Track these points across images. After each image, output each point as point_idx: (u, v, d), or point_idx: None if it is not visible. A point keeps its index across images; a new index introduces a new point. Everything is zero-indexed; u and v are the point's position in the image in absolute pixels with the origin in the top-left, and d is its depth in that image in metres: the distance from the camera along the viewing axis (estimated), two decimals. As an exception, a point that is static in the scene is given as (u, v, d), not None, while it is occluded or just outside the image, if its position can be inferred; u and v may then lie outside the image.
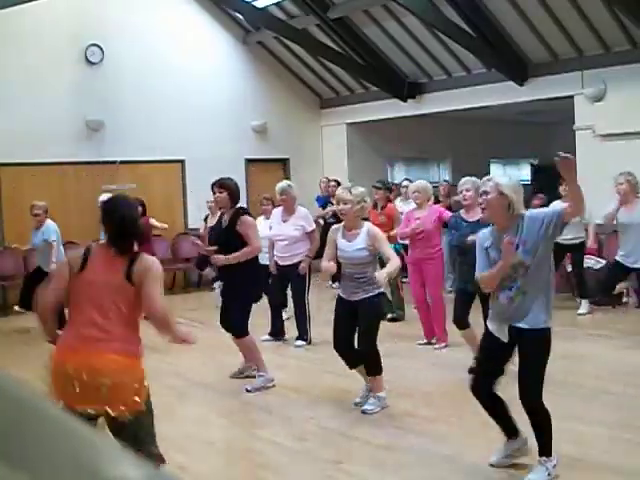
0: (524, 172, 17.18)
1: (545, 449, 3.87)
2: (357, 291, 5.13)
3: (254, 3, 11.32)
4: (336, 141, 13.51)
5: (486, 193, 3.93)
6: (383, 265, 5.17)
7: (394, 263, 5.00)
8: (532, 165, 16.88)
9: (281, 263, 7.52)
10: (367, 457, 4.47)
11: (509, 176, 4.09)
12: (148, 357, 7.43)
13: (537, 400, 3.82)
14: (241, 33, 12.77)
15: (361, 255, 5.10)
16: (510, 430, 4.09)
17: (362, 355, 5.23)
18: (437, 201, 9.54)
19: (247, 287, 5.90)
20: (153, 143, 11.54)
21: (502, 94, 10.73)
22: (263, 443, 4.81)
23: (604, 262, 8.89)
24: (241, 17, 12.18)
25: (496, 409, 4.08)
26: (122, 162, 11.34)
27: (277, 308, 7.74)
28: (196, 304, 10.10)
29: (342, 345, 5.25)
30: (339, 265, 5.25)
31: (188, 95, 11.93)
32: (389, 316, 8.07)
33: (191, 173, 12.08)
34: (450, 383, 5.85)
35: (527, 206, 9.58)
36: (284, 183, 7.73)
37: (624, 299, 8.53)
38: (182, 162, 12.09)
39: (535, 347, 3.87)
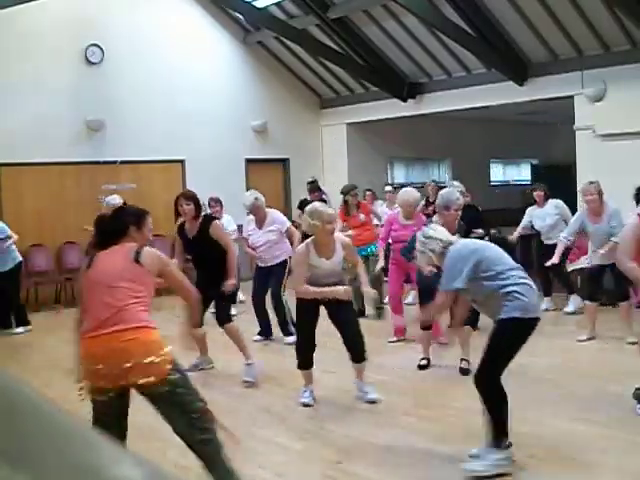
0: (524, 172, 17.19)
1: (494, 434, 3.99)
2: (329, 299, 5.27)
3: (254, 3, 11.32)
4: (336, 141, 13.51)
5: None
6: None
7: (363, 267, 5.60)
8: (532, 165, 16.88)
9: (262, 265, 7.64)
10: (367, 457, 4.47)
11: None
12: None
13: (486, 381, 4.03)
14: (241, 33, 12.77)
15: (340, 267, 5.35)
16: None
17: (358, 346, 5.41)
18: (427, 202, 9.58)
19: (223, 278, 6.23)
20: (153, 143, 11.54)
21: (502, 94, 10.73)
22: (263, 443, 4.81)
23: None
24: (241, 17, 12.18)
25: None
26: (122, 162, 11.34)
27: (260, 308, 7.83)
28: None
29: (311, 345, 5.48)
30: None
31: (188, 95, 11.93)
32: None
33: (191, 173, 12.08)
34: (449, 383, 5.86)
35: (529, 202, 9.52)
36: (251, 197, 7.53)
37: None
38: (182, 162, 12.09)
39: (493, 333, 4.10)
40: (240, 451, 4.84)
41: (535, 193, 8.94)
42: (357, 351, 5.38)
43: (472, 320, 7.96)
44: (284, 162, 13.39)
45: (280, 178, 13.23)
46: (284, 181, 13.31)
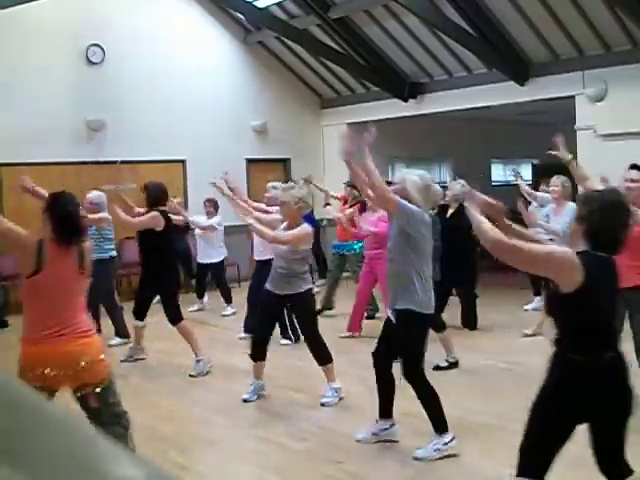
0: (525, 172, 17.18)
1: (434, 424, 4.32)
2: (286, 285, 5.44)
3: (255, 3, 11.31)
4: (337, 141, 13.47)
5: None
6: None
7: (272, 232, 5.54)
8: (533, 165, 16.88)
9: (257, 258, 7.73)
10: (367, 457, 4.47)
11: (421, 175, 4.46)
12: (149, 357, 7.45)
13: (412, 373, 4.30)
14: (242, 33, 12.77)
15: (288, 251, 5.41)
16: (385, 411, 4.58)
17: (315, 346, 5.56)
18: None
19: (167, 275, 6.65)
20: (154, 143, 11.54)
21: (503, 94, 10.73)
22: (263, 443, 4.81)
23: None
24: (242, 17, 12.18)
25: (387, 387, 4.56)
26: (123, 162, 11.33)
27: (253, 306, 7.88)
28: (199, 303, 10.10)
29: (262, 338, 5.61)
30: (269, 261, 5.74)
31: (189, 95, 11.93)
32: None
33: (192, 173, 12.08)
34: (449, 382, 5.85)
35: (529, 202, 9.51)
36: (269, 185, 7.98)
37: None
38: (183, 162, 12.09)
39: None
40: (240, 451, 4.84)
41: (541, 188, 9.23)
42: (316, 354, 5.55)
43: (470, 322, 8.04)
44: (285, 162, 13.39)
45: (281, 178, 13.21)
46: (285, 181, 13.29)
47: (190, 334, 6.71)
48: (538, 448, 2.99)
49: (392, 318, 4.47)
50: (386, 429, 4.62)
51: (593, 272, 2.78)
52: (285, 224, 5.60)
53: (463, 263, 7.39)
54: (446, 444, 4.31)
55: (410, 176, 4.47)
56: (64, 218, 3.69)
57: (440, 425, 4.33)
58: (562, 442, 2.98)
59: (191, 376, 6.46)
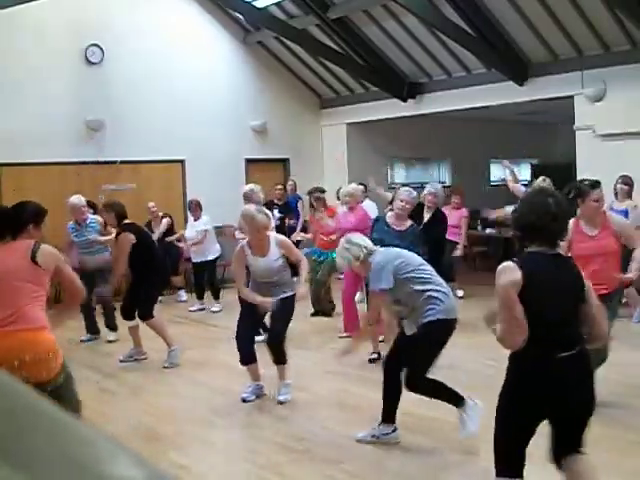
0: (524, 172, 17.17)
1: (454, 403, 4.47)
2: (271, 294, 5.52)
3: (254, 3, 11.31)
4: (336, 141, 13.51)
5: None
6: (293, 267, 5.69)
7: (305, 266, 5.64)
8: (532, 165, 16.87)
9: None
10: (367, 457, 4.47)
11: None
12: (149, 357, 7.45)
13: (420, 386, 4.42)
14: (241, 33, 12.77)
15: (278, 265, 5.52)
16: (389, 416, 4.63)
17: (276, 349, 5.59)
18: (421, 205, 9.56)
19: (151, 277, 6.97)
20: (153, 143, 11.54)
21: (502, 94, 10.73)
22: (263, 443, 4.81)
23: None
24: (241, 17, 12.18)
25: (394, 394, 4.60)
26: (122, 162, 11.33)
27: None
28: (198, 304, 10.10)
29: (246, 341, 5.63)
30: (248, 273, 5.71)
31: (188, 95, 11.93)
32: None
33: (191, 173, 12.08)
34: (448, 381, 5.85)
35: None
36: (246, 187, 8.07)
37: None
38: (182, 162, 12.09)
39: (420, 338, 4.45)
40: (240, 451, 4.84)
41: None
42: (273, 353, 5.58)
43: None
44: (284, 162, 13.39)
45: (280, 178, 13.22)
46: (284, 181, 13.29)
47: (161, 328, 6.97)
48: (510, 445, 3.07)
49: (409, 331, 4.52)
50: (387, 434, 4.64)
51: (530, 270, 2.94)
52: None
53: (439, 261, 7.41)
54: (473, 408, 4.42)
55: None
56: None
57: (457, 400, 4.47)
58: (525, 437, 3.03)
59: (165, 367, 6.72)
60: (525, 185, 9.42)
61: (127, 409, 5.64)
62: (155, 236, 9.13)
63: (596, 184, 5.01)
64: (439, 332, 4.42)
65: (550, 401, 2.98)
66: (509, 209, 7.79)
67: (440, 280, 4.60)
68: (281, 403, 5.52)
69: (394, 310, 4.75)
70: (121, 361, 7.07)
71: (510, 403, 3.04)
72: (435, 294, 4.44)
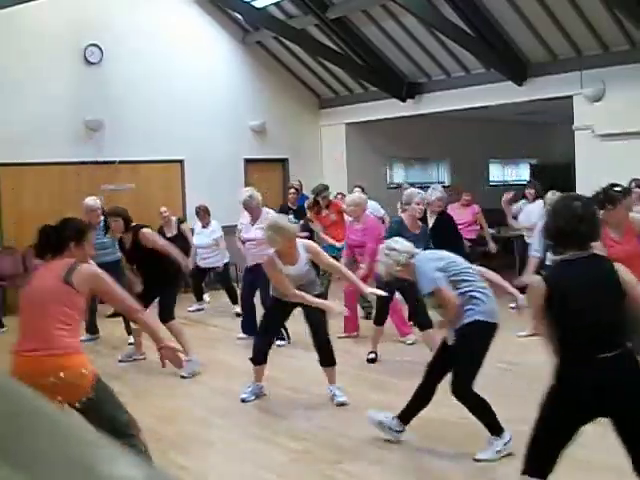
0: (523, 172, 17.18)
1: (490, 429, 4.30)
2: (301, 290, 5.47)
3: (253, 3, 11.31)
4: (335, 141, 13.51)
5: None
6: (317, 269, 5.78)
7: (344, 268, 5.77)
8: (531, 165, 16.87)
9: (250, 264, 7.67)
10: (367, 457, 4.47)
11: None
12: (148, 357, 7.43)
13: (465, 393, 4.27)
14: (240, 33, 12.77)
15: (307, 269, 5.52)
16: (405, 418, 4.59)
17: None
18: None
19: (169, 276, 6.80)
20: (152, 143, 11.53)
21: (501, 94, 10.73)
22: (263, 443, 4.81)
23: None
24: (240, 17, 12.17)
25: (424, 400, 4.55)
26: (121, 162, 11.33)
27: (248, 306, 7.91)
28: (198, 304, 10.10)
29: (266, 342, 5.68)
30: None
31: (187, 95, 11.92)
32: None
33: (190, 173, 12.08)
34: (448, 383, 5.85)
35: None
36: (245, 194, 7.75)
37: None
38: (181, 162, 12.08)
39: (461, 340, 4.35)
40: (240, 451, 4.84)
41: (527, 190, 9.23)
42: (325, 355, 5.53)
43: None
44: (283, 162, 13.39)
45: (279, 178, 13.23)
46: (283, 181, 13.30)
47: (180, 333, 6.70)
48: (538, 446, 3.05)
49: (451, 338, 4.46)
50: (396, 431, 4.60)
51: (555, 280, 3.00)
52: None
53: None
54: (506, 444, 4.29)
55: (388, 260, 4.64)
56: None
57: (495, 428, 4.32)
58: (562, 442, 3.01)
59: (182, 377, 6.35)
60: (524, 196, 9.41)
61: (127, 409, 5.62)
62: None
63: (627, 191, 5.05)
64: (477, 334, 4.30)
65: (592, 404, 2.96)
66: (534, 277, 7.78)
67: (482, 282, 4.49)
68: (343, 404, 5.45)
69: (437, 312, 4.65)
70: (120, 361, 7.06)
71: (551, 405, 3.03)
72: (477, 294, 4.35)
